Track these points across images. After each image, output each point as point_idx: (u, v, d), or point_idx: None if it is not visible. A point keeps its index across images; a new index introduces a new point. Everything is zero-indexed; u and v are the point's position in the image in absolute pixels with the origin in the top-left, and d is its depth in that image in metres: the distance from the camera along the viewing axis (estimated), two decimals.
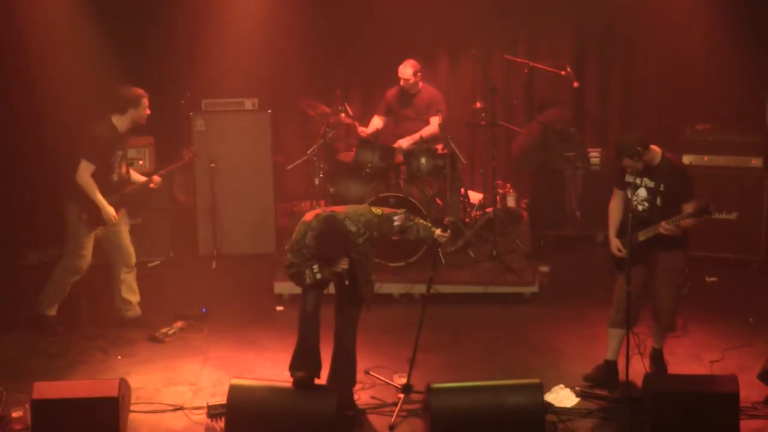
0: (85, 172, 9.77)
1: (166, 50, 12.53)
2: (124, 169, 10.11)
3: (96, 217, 9.92)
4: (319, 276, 8.22)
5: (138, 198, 10.61)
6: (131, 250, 10.30)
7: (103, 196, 9.85)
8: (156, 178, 10.31)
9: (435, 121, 11.63)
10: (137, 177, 10.33)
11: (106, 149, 9.85)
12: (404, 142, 11.81)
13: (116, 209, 9.99)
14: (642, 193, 8.77)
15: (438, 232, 8.66)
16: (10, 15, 11.68)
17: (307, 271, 8.22)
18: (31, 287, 10.65)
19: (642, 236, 8.69)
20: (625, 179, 8.82)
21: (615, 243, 8.92)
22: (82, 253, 10.03)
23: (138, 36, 12.34)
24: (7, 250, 11.92)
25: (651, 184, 8.73)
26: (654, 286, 8.92)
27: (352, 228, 8.31)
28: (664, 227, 8.55)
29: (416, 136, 11.80)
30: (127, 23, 12.27)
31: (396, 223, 8.51)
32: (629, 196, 8.69)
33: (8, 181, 11.82)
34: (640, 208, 8.76)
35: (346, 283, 8.38)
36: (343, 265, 8.23)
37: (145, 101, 9.92)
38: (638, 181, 8.74)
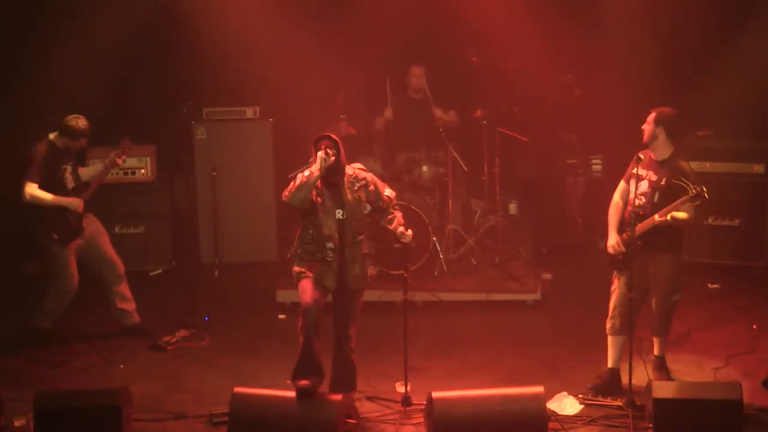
0: (29, 190, 9.78)
1: (167, 59, 12.53)
2: (74, 179, 10.07)
3: (66, 232, 9.93)
4: (307, 173, 8.36)
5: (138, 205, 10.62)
6: (116, 259, 10.28)
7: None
8: (98, 176, 10.30)
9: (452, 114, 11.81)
10: (88, 171, 10.33)
11: (48, 167, 9.86)
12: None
13: (80, 219, 10.01)
14: (643, 185, 8.82)
15: (400, 229, 8.68)
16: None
17: (297, 177, 8.44)
18: (31, 297, 10.63)
19: (638, 230, 8.70)
20: (632, 171, 8.84)
21: (615, 239, 8.95)
22: (68, 272, 10.03)
23: (139, 45, 12.33)
24: (7, 260, 11.92)
25: (654, 178, 8.78)
26: (648, 291, 8.95)
27: (350, 171, 8.61)
28: (658, 217, 8.58)
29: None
30: (128, 31, 12.27)
31: (386, 193, 8.71)
32: (632, 188, 8.75)
33: (8, 189, 11.80)
34: (637, 202, 8.79)
35: (338, 215, 8.53)
36: (327, 151, 8.40)
37: (82, 141, 9.99)
38: (643, 173, 8.79)
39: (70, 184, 9.98)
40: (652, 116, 8.87)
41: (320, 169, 8.36)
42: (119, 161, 10.28)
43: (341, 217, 8.55)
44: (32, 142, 9.99)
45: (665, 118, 8.83)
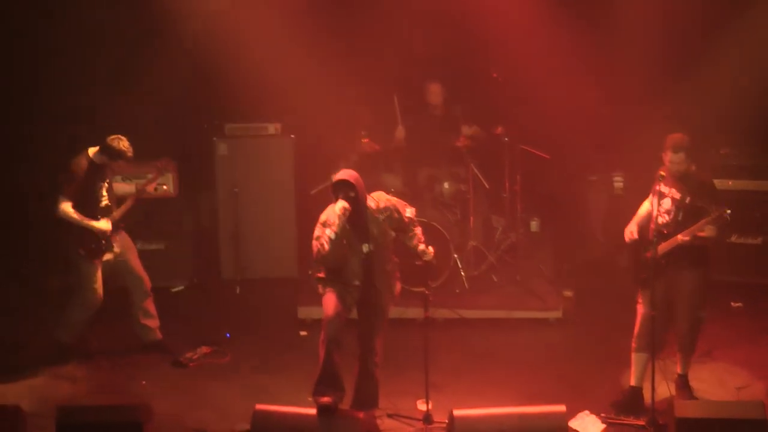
0: (62, 206, 9.82)
1: (189, 75, 12.58)
2: (109, 197, 10.12)
3: (93, 249, 9.95)
4: (333, 236, 8.36)
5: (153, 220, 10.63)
6: (144, 275, 10.30)
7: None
8: (133, 196, 10.32)
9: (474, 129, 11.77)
10: (121, 187, 10.34)
11: (86, 183, 9.90)
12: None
13: (112, 236, 10.03)
14: (666, 203, 8.79)
15: (421, 247, 8.67)
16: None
17: (323, 239, 8.42)
18: (55, 312, 10.64)
19: (662, 249, 8.69)
20: (656, 188, 8.83)
21: (633, 227, 8.99)
22: (92, 287, 10.05)
23: (162, 60, 12.38)
24: (32, 275, 11.95)
25: (677, 196, 8.75)
26: (674, 307, 8.91)
27: (372, 204, 8.61)
28: (682, 237, 8.55)
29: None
30: (150, 48, 12.32)
31: (408, 213, 8.73)
32: (654, 205, 8.73)
33: (34, 205, 11.85)
34: (660, 220, 8.77)
35: (363, 250, 8.50)
36: (343, 203, 8.38)
37: (121, 163, 9.99)
38: (665, 190, 8.76)
39: (104, 200, 10.03)
40: (673, 147, 8.70)
41: (341, 227, 8.38)
42: (150, 188, 10.34)
43: (367, 251, 8.57)
44: (71, 156, 10.03)
45: (687, 144, 8.73)
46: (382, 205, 8.65)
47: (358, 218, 8.52)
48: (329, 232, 8.40)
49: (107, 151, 9.89)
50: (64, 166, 9.99)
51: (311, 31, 12.62)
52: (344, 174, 8.54)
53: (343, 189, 8.46)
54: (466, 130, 11.82)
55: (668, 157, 8.73)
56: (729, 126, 12.27)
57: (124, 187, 10.55)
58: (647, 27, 12.59)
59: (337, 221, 8.37)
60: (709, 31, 12.28)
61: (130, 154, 9.92)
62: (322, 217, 8.60)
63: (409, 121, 12.16)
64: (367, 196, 8.63)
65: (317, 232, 8.55)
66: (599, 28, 12.90)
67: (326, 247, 8.41)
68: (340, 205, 8.39)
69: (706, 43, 12.32)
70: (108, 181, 10.09)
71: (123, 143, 9.89)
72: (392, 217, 8.65)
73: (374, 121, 12.56)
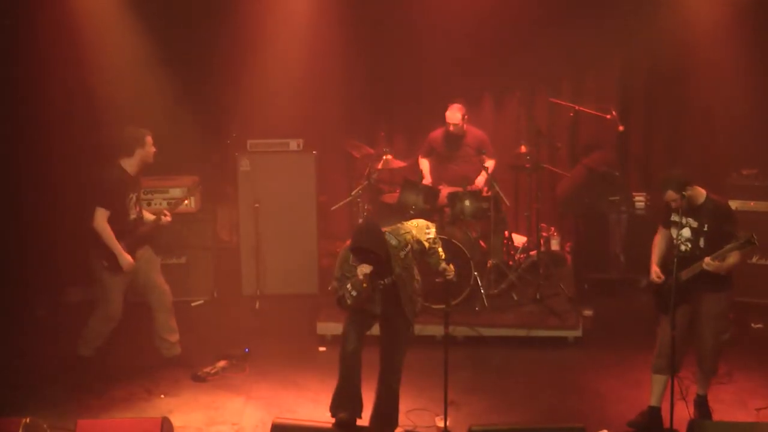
0: (101, 218, 9.82)
1: (211, 91, 12.64)
2: (138, 209, 10.11)
3: (116, 264, 9.95)
4: (354, 293, 8.28)
5: (160, 236, 10.63)
6: (165, 289, 10.31)
7: (121, 238, 9.88)
8: (166, 212, 10.27)
9: (491, 163, 11.69)
10: (148, 216, 10.33)
11: (119, 193, 9.90)
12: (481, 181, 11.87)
13: (135, 250, 10.04)
14: (686, 233, 8.76)
15: (443, 265, 8.68)
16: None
17: (345, 293, 8.31)
18: (73, 325, 10.68)
19: (685, 275, 8.65)
20: (670, 218, 8.82)
21: (655, 270, 8.92)
22: (112, 298, 10.06)
23: (184, 76, 12.43)
24: (50, 288, 11.99)
25: (695, 224, 8.71)
26: (697, 329, 8.87)
27: (393, 242, 8.48)
28: (708, 262, 8.51)
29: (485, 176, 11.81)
30: (173, 63, 12.37)
31: (429, 236, 8.64)
32: (674, 235, 8.71)
33: (52, 217, 11.88)
34: (683, 248, 8.75)
35: (383, 282, 8.44)
36: (365, 269, 8.26)
37: (149, 139, 9.97)
38: (683, 220, 8.72)
39: (133, 213, 10.04)
40: (660, 188, 8.71)
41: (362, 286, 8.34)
42: (165, 218, 10.25)
43: (389, 282, 8.53)
44: (103, 165, 10.08)
45: (673, 180, 8.66)
46: (402, 241, 8.51)
47: (379, 265, 8.48)
48: (351, 289, 8.30)
49: (130, 143, 9.89)
50: (95, 176, 10.05)
51: (334, 48, 12.68)
52: (358, 239, 8.32)
53: (361, 253, 8.31)
54: (486, 161, 11.82)
55: (664, 196, 8.75)
56: (752, 147, 12.24)
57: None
58: (681, 44, 12.53)
59: (357, 283, 8.28)
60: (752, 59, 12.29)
61: (145, 130, 9.95)
62: (340, 257, 8.56)
63: (432, 142, 12.21)
64: (387, 233, 8.51)
65: (337, 272, 8.51)
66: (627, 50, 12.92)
67: (348, 302, 8.37)
68: (363, 271, 8.27)
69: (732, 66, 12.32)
70: (137, 194, 10.11)
71: (130, 127, 9.96)
72: (413, 249, 8.56)
73: (394, 136, 12.62)
